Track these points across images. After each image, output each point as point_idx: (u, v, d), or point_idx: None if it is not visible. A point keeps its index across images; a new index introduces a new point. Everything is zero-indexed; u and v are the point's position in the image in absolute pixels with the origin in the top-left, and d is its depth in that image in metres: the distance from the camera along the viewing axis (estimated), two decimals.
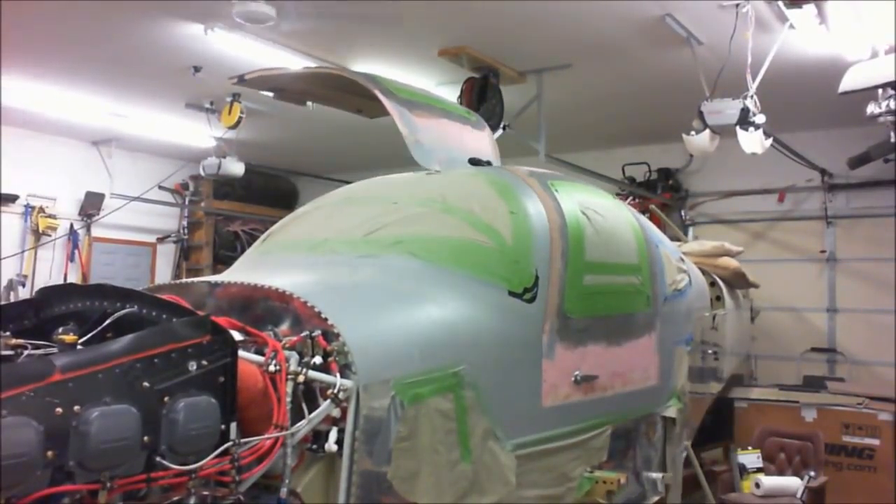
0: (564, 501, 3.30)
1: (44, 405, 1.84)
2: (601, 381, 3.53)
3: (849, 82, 5.39)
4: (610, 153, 9.85)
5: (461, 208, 3.42)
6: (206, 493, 2.13)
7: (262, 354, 2.41)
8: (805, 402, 6.42)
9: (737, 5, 5.34)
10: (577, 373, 3.37)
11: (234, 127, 7.78)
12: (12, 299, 9.12)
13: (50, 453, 1.83)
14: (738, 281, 6.77)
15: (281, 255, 3.64)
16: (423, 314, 2.94)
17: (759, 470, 5.53)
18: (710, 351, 5.51)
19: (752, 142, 5.61)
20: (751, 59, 5.44)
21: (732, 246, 6.87)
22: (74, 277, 10.18)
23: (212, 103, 8.21)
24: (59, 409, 1.86)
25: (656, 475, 4.02)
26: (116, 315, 2.31)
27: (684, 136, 5.85)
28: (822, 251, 8.83)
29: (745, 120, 5.49)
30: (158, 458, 2.02)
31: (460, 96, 6.87)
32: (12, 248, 9.62)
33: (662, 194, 9.48)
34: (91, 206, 10.30)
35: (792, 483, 5.39)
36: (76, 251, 10.28)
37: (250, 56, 6.38)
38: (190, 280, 3.21)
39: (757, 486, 5.34)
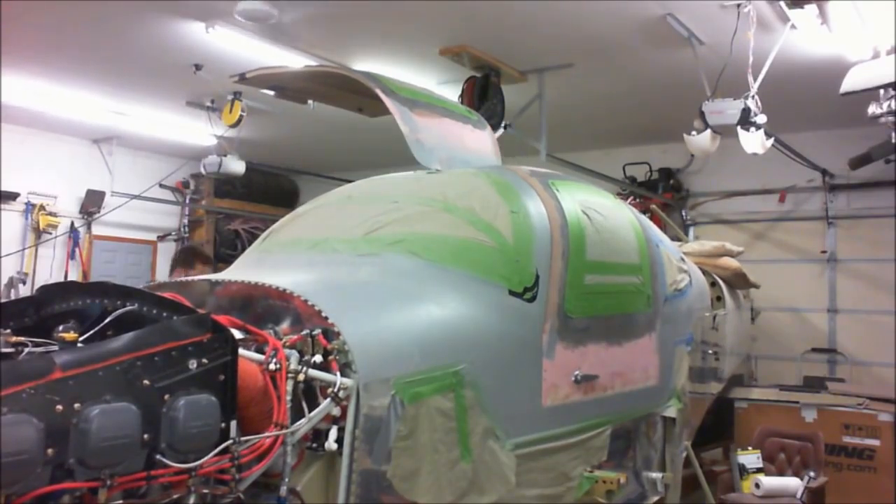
0: (564, 501, 3.30)
1: (44, 403, 1.84)
2: (601, 381, 3.53)
3: (850, 83, 5.39)
4: (611, 153, 9.86)
5: (462, 207, 3.42)
6: (205, 491, 2.13)
7: (263, 353, 2.40)
8: (805, 403, 6.42)
9: (738, 5, 5.34)
10: (577, 372, 3.37)
11: (235, 125, 7.77)
12: (13, 297, 9.13)
13: (50, 451, 1.83)
14: (738, 281, 6.77)
15: (281, 253, 3.64)
16: (424, 313, 2.94)
17: (759, 470, 5.52)
18: (710, 351, 5.51)
19: (754, 142, 5.60)
20: (752, 59, 5.44)
21: (733, 246, 6.87)
22: (75, 275, 10.19)
23: (213, 101, 8.21)
24: (59, 407, 1.86)
25: (656, 475, 4.02)
26: (117, 313, 2.31)
27: (685, 135, 5.85)
28: (823, 252, 8.83)
29: (746, 120, 5.49)
30: (158, 456, 2.02)
31: (461, 95, 6.86)
32: (13, 246, 9.62)
33: (663, 194, 9.48)
34: (92, 203, 10.30)
35: (792, 483, 5.39)
36: (77, 249, 10.28)
37: (251, 54, 6.38)
38: (190, 278, 3.21)
39: (757, 486, 5.34)
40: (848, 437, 6.20)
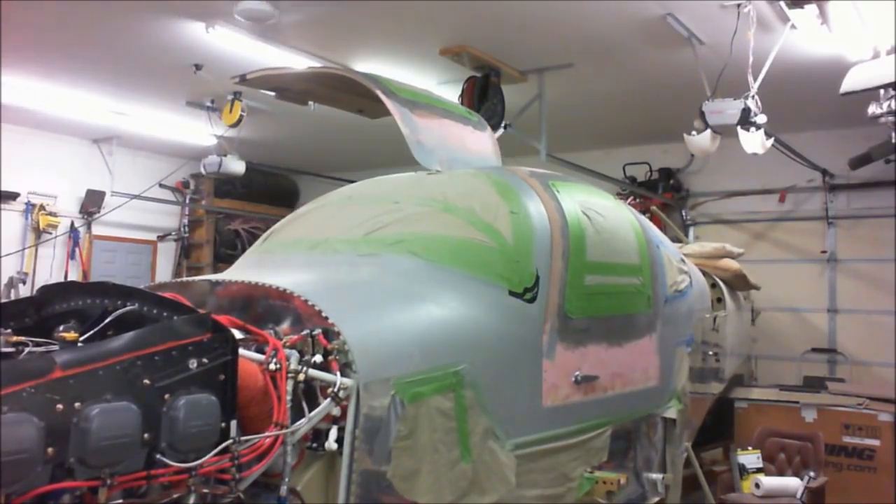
0: (564, 501, 3.29)
1: (44, 402, 1.84)
2: (601, 382, 3.53)
3: (850, 83, 5.39)
4: (611, 153, 9.86)
5: (462, 208, 3.42)
6: (206, 490, 2.13)
7: (263, 353, 2.40)
8: (805, 403, 6.42)
9: (738, 5, 5.34)
10: (577, 373, 3.37)
11: (235, 125, 7.78)
12: (13, 297, 9.13)
13: (50, 450, 1.83)
14: (739, 282, 6.77)
15: (282, 253, 3.64)
16: (424, 313, 2.94)
17: (759, 470, 5.52)
18: (710, 352, 5.51)
19: (754, 142, 5.61)
20: (752, 59, 5.44)
21: (733, 248, 6.87)
22: (75, 275, 10.19)
23: (213, 101, 8.21)
24: (59, 406, 1.86)
25: (656, 476, 4.02)
26: (117, 313, 2.31)
27: (685, 135, 5.85)
28: (823, 252, 8.83)
29: (746, 120, 5.49)
30: (159, 456, 2.02)
31: (461, 95, 6.86)
32: (13, 246, 9.63)
33: (663, 194, 9.48)
34: (92, 203, 10.30)
35: (792, 483, 5.39)
36: (77, 249, 10.28)
37: (251, 54, 6.38)
38: (191, 278, 3.21)
39: (757, 486, 5.34)
40: (848, 437, 6.20)
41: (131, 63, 7.15)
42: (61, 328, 2.25)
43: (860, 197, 8.63)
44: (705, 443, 6.15)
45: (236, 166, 8.75)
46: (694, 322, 4.73)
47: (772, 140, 5.93)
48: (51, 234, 9.96)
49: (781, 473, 5.65)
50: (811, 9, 5.29)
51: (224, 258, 11.17)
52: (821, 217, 8.87)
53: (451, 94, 6.64)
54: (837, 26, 5.60)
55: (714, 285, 6.16)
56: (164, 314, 2.29)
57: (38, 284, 9.06)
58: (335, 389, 2.39)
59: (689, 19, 5.77)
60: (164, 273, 11.35)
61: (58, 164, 10.10)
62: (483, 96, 6.83)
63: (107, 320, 2.30)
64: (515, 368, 3.11)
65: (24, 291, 9.49)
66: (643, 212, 6.62)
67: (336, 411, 2.42)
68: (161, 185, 10.82)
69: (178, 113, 8.77)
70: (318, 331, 2.49)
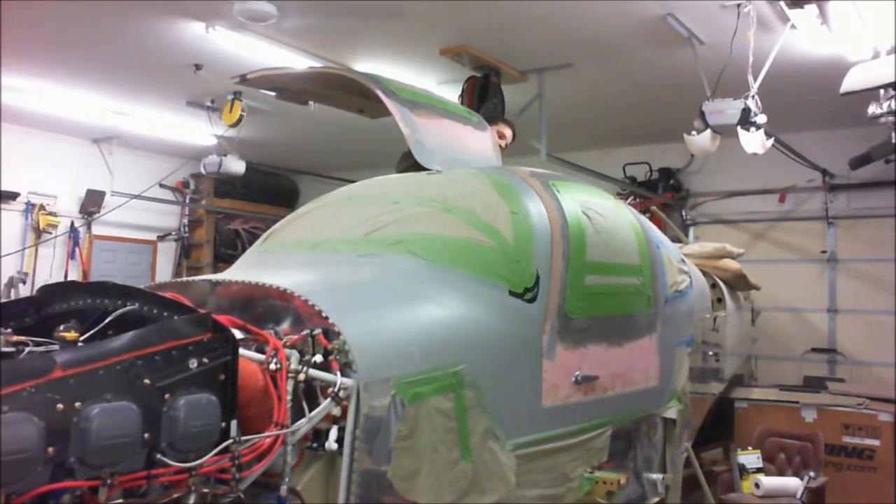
0: (565, 501, 3.29)
1: (45, 401, 1.84)
2: (601, 382, 3.53)
3: (850, 83, 5.39)
4: (611, 153, 9.86)
5: (462, 208, 3.42)
6: (206, 490, 2.13)
7: (263, 353, 2.40)
8: (805, 403, 6.41)
9: (738, 5, 5.34)
10: (577, 373, 3.37)
11: (236, 125, 7.78)
12: (13, 297, 9.13)
13: (51, 450, 1.82)
14: (739, 283, 6.77)
15: (282, 253, 3.64)
16: (424, 313, 2.94)
17: (759, 470, 5.52)
18: (711, 352, 5.51)
19: (754, 142, 5.61)
20: (752, 59, 5.44)
21: (733, 248, 6.87)
22: (75, 275, 10.19)
23: (213, 101, 8.22)
24: (60, 406, 1.86)
25: (656, 476, 4.02)
26: (118, 313, 2.31)
27: (685, 135, 5.85)
28: (823, 252, 8.83)
29: (746, 120, 5.49)
30: (159, 456, 2.02)
31: (461, 95, 6.87)
32: (13, 246, 9.63)
33: (663, 194, 9.48)
34: (92, 203, 10.31)
35: (792, 483, 5.39)
36: (77, 249, 10.29)
37: (251, 54, 6.38)
38: (191, 278, 3.21)
39: (757, 486, 5.34)
40: (848, 437, 6.20)
41: (131, 63, 7.15)
42: (61, 328, 2.25)
43: (860, 197, 8.63)
44: (705, 443, 6.15)
45: (236, 166, 8.76)
46: (694, 322, 4.73)
47: (772, 140, 5.93)
48: (51, 233, 9.96)
49: (781, 473, 5.65)
50: (811, 9, 5.29)
51: (224, 258, 11.17)
52: (821, 217, 8.87)
53: (451, 94, 6.64)
54: (837, 26, 5.60)
55: (714, 285, 6.16)
56: (165, 314, 2.29)
57: (38, 284, 9.06)
58: (335, 389, 2.39)
59: (689, 19, 5.77)
60: (164, 273, 11.35)
61: (58, 164, 10.10)
62: (483, 96, 6.83)
63: (107, 320, 2.30)
64: (515, 368, 3.11)
65: (24, 291, 9.50)
66: (643, 212, 6.62)
67: (336, 411, 2.42)
68: (161, 185, 10.82)
69: (178, 113, 8.77)
70: (318, 331, 2.48)
